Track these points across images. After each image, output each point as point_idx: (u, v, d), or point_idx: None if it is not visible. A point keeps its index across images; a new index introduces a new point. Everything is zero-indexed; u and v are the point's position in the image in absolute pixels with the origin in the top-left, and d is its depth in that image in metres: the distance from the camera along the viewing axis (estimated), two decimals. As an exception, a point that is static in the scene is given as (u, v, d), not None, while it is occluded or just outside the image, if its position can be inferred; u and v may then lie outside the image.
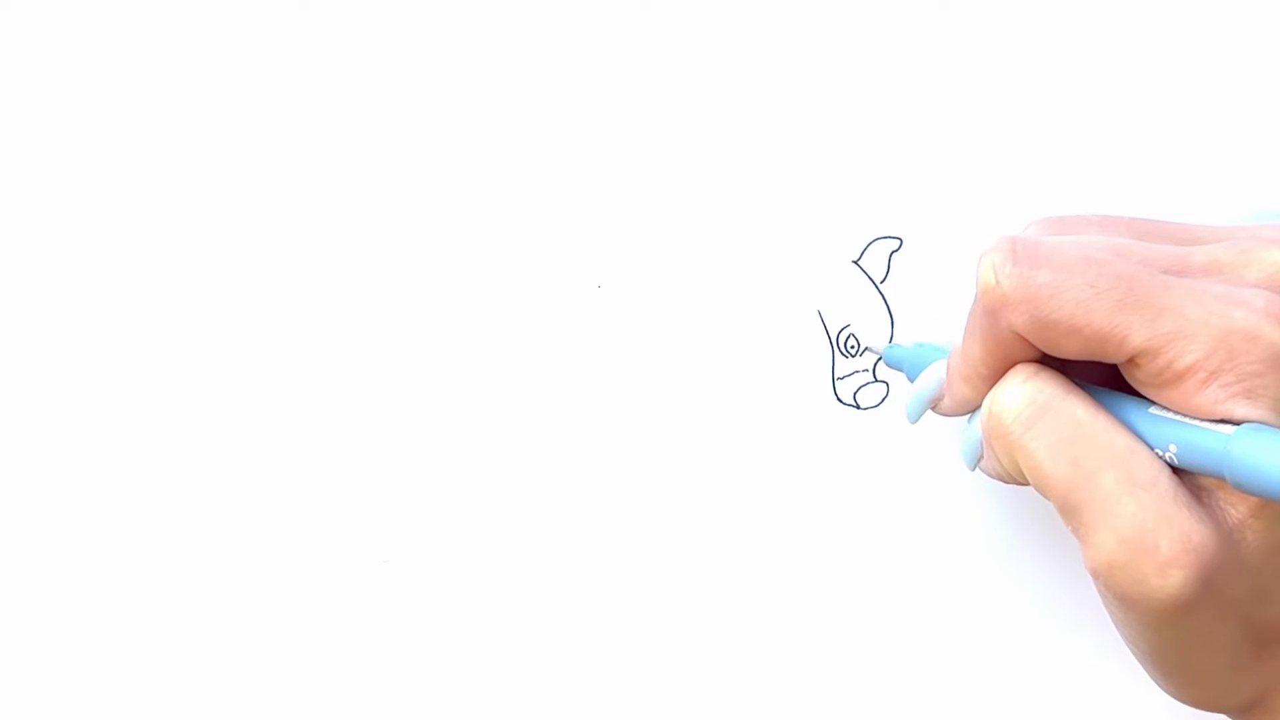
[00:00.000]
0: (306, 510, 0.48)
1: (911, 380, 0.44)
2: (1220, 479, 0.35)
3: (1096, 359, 0.37)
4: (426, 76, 0.47)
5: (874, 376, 0.47)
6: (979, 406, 0.40)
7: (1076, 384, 0.38)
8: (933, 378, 0.42)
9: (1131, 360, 0.36)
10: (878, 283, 0.47)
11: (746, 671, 0.48)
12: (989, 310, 0.37)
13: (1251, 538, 0.36)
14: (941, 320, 0.47)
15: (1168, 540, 0.35)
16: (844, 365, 0.47)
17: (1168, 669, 0.38)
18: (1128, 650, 0.39)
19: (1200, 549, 0.35)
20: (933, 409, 0.42)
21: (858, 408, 0.47)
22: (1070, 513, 0.37)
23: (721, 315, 0.47)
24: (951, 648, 0.47)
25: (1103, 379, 0.39)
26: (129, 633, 0.48)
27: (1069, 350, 0.37)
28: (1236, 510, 0.36)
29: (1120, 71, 0.46)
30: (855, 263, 0.47)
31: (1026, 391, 0.38)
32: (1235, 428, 0.35)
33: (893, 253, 0.47)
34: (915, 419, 0.42)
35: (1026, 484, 0.38)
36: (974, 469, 0.41)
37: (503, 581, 0.48)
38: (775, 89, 0.47)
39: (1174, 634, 0.37)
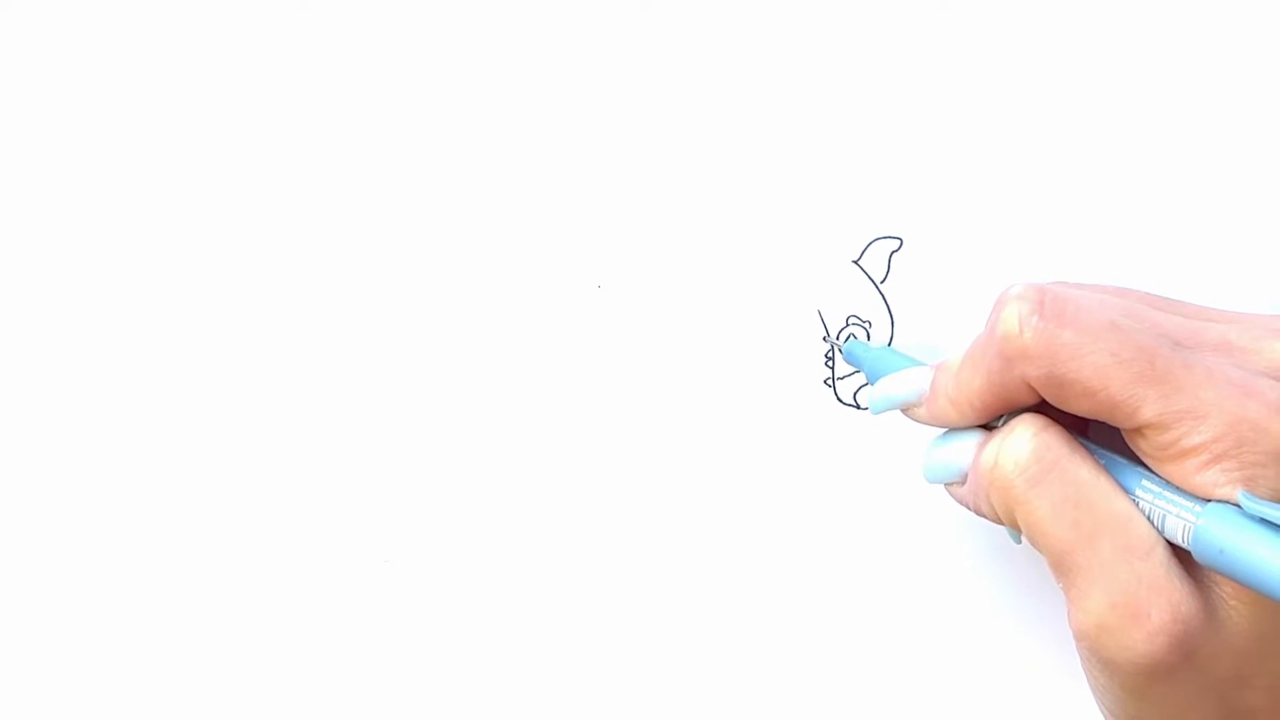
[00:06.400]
0: (307, 510, 0.48)
1: (871, 381, 0.44)
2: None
3: (1102, 420, 0.37)
4: (426, 77, 0.47)
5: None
6: (954, 423, 0.40)
7: (1079, 442, 0.38)
8: (911, 385, 0.42)
9: (1138, 430, 0.37)
10: (878, 283, 0.47)
11: (749, 671, 0.48)
12: (1005, 356, 0.37)
13: (1236, 618, 0.37)
14: (941, 320, 0.46)
15: (1158, 609, 0.36)
16: (844, 365, 0.47)
17: None
18: None
19: (1188, 620, 0.36)
20: (902, 411, 0.42)
21: (858, 408, 0.47)
22: (1064, 572, 0.37)
23: (721, 315, 0.47)
24: (951, 647, 0.47)
25: (1078, 424, 0.39)
26: (130, 632, 0.48)
27: (1076, 408, 0.37)
28: (1222, 588, 0.37)
29: (1120, 70, 0.46)
30: (855, 263, 0.47)
31: (1035, 447, 0.38)
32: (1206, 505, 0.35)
33: (893, 253, 0.47)
34: (878, 414, 0.43)
35: (1004, 525, 0.39)
36: (931, 484, 0.41)
37: (503, 580, 0.48)
38: (775, 89, 0.47)
39: (1153, 703, 0.37)
